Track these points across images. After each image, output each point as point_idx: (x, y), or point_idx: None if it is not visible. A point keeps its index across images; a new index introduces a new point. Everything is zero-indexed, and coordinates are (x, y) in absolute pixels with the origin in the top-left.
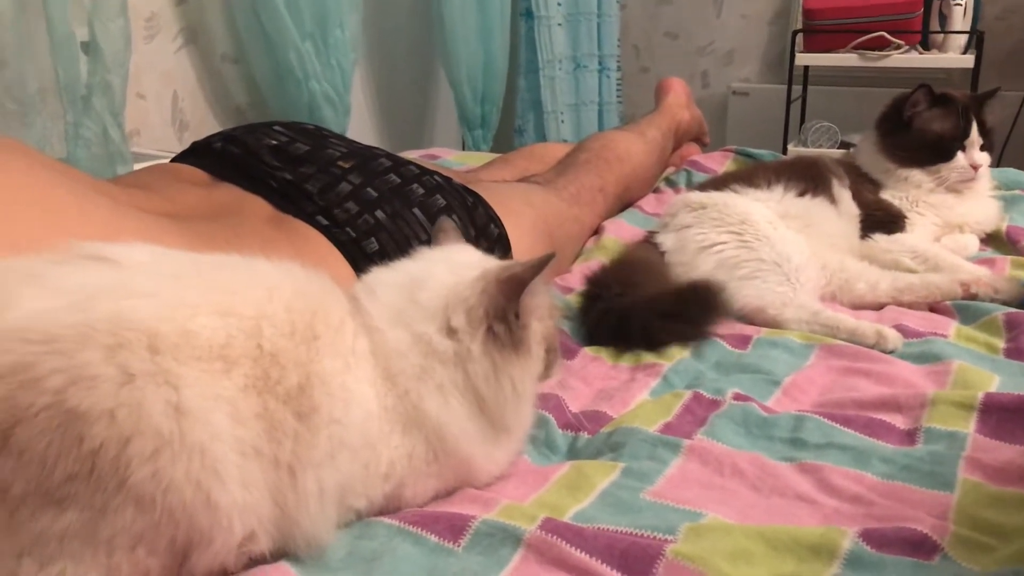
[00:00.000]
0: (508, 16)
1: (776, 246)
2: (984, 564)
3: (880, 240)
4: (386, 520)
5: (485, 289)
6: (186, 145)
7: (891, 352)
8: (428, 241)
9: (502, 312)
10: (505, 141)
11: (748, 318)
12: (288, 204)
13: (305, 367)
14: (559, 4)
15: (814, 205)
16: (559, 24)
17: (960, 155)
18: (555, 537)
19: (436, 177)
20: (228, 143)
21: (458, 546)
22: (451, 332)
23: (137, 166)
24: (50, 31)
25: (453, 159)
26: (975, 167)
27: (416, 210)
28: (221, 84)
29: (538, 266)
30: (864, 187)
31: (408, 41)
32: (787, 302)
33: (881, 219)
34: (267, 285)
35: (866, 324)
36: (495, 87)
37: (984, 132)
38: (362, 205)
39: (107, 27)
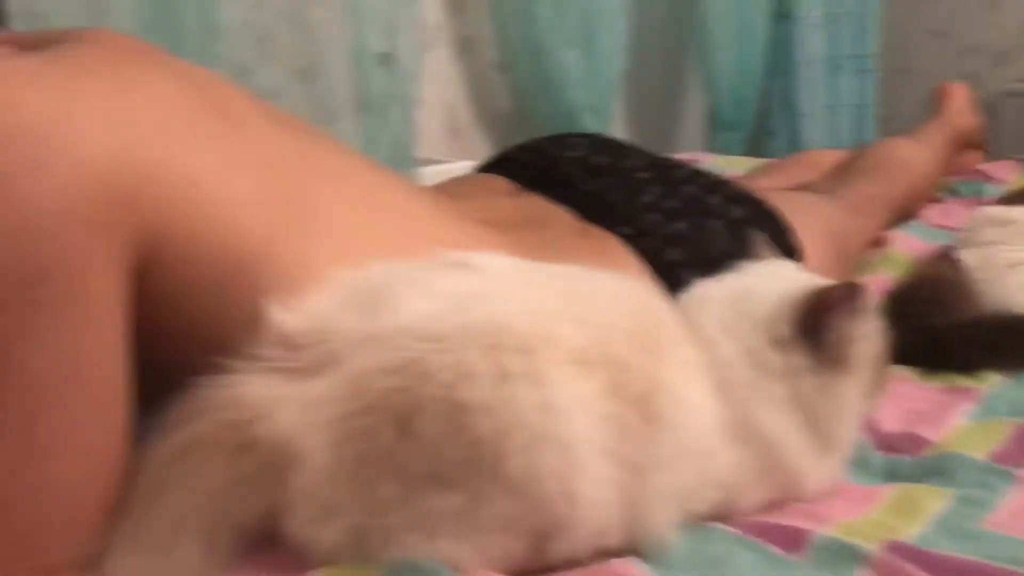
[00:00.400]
0: (767, 18)
1: None
2: None
3: None
4: (725, 527)
5: (813, 304)
6: (456, 151)
7: None
8: (729, 252)
9: (830, 328)
10: (755, 144)
11: None
12: (592, 214)
13: (650, 375)
14: (814, 5)
15: None
16: (816, 25)
17: None
18: (901, 559)
19: (733, 188)
20: (532, 154)
21: (799, 559)
22: (779, 346)
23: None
24: (349, 45)
25: (715, 163)
26: None
27: (716, 221)
28: (489, 92)
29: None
30: None
31: (663, 45)
32: None
33: None
34: (612, 295)
35: None
36: (750, 90)
37: None
38: (664, 215)
39: (403, 40)
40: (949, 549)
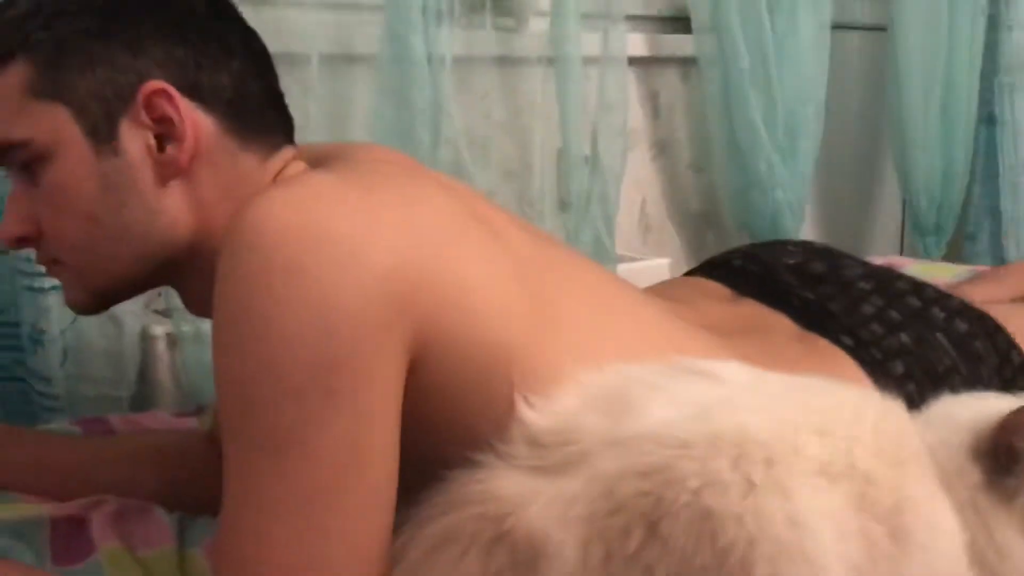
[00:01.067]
0: (973, 122)
1: None
2: None
3: None
4: None
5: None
6: (649, 247)
7: None
8: (954, 368)
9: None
10: (957, 249)
11: None
12: (812, 323)
13: (896, 490)
14: (1021, 110)
15: None
16: (1022, 131)
17: None
18: None
19: (955, 301)
20: (747, 260)
21: None
22: (1004, 469)
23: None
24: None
25: (915, 269)
26: None
27: (940, 335)
28: (682, 191)
29: None
30: None
31: (858, 146)
32: None
33: None
34: (852, 406)
35: None
36: (953, 194)
37: None
38: (887, 327)
39: (609, 144)
40: None
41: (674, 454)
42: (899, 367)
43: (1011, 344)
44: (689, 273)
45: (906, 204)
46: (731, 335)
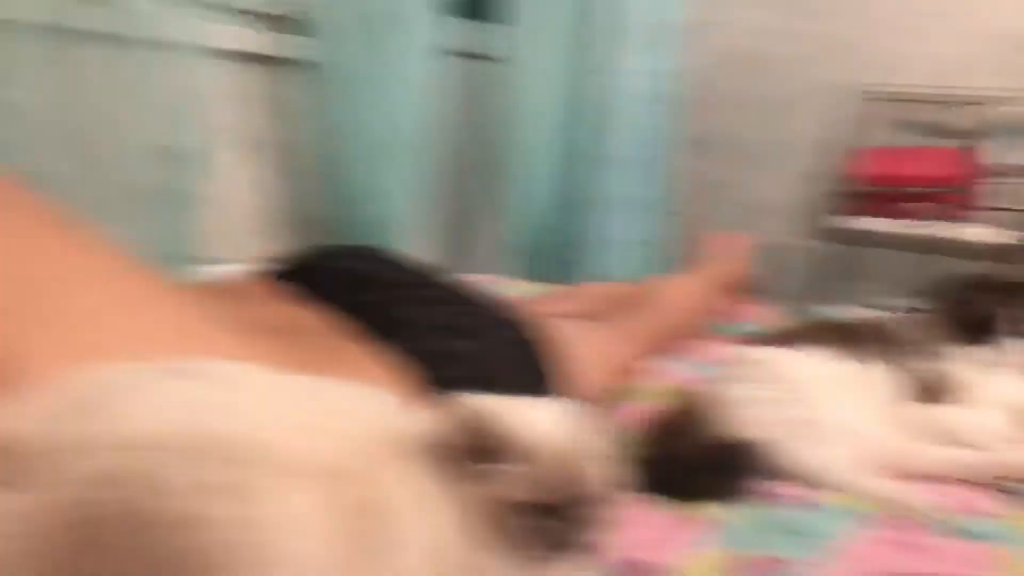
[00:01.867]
0: (568, 153)
1: (826, 407)
2: None
3: (944, 410)
4: None
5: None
6: (255, 255)
7: (933, 523)
8: (502, 375)
9: None
10: (557, 274)
11: (798, 479)
12: (367, 327)
13: (381, 489)
14: (613, 147)
15: (867, 371)
16: (612, 165)
17: (1014, 340)
18: None
19: (510, 311)
20: (307, 263)
21: None
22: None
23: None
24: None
25: (506, 288)
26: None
27: (492, 343)
28: (287, 196)
29: None
30: (921, 356)
31: (465, 170)
32: (835, 467)
33: (936, 390)
34: (346, 405)
35: (909, 494)
36: (552, 219)
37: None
38: (440, 334)
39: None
40: None
41: (123, 457)
42: (452, 372)
43: (558, 354)
44: (263, 274)
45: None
46: (274, 335)
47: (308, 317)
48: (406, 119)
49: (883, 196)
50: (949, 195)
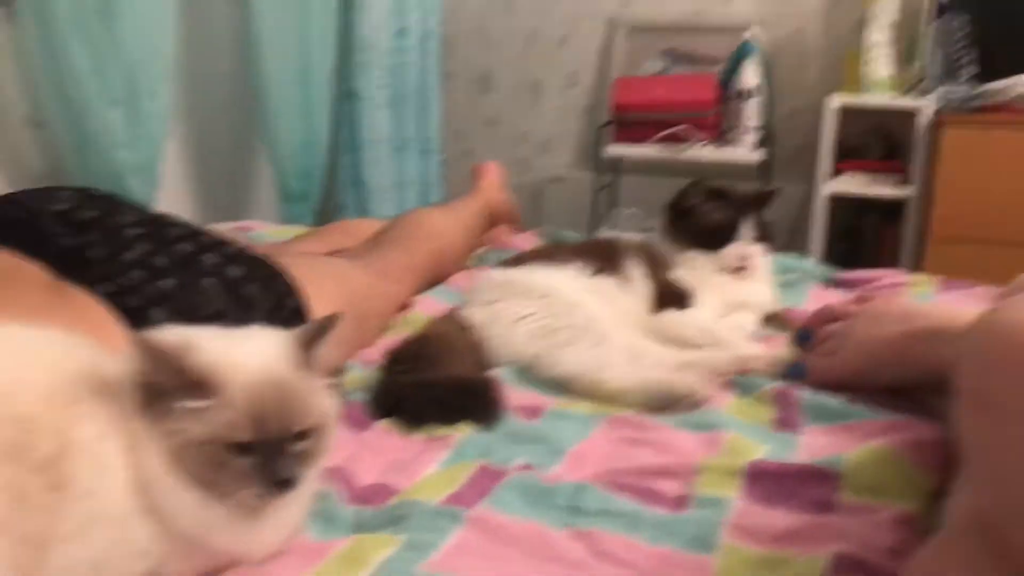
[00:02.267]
0: (330, 96)
1: (584, 310)
2: None
3: (670, 316)
4: None
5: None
6: None
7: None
8: (221, 310)
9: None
10: (327, 217)
11: (569, 385)
12: (69, 271)
13: (61, 434)
14: (380, 87)
15: (607, 283)
16: (381, 106)
17: (734, 245)
18: None
19: (233, 247)
20: (8, 205)
21: None
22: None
23: None
24: None
25: (268, 232)
26: (747, 257)
27: (208, 279)
28: (18, 149)
29: None
30: (658, 267)
31: (227, 114)
32: (603, 364)
33: (672, 296)
34: (24, 349)
35: (677, 376)
36: (316, 163)
37: (760, 226)
38: (148, 273)
39: None
40: None
41: None
42: (160, 314)
43: (290, 290)
44: None
45: (274, 171)
46: None
47: (4, 265)
48: (146, 55)
49: (645, 124)
50: (704, 119)
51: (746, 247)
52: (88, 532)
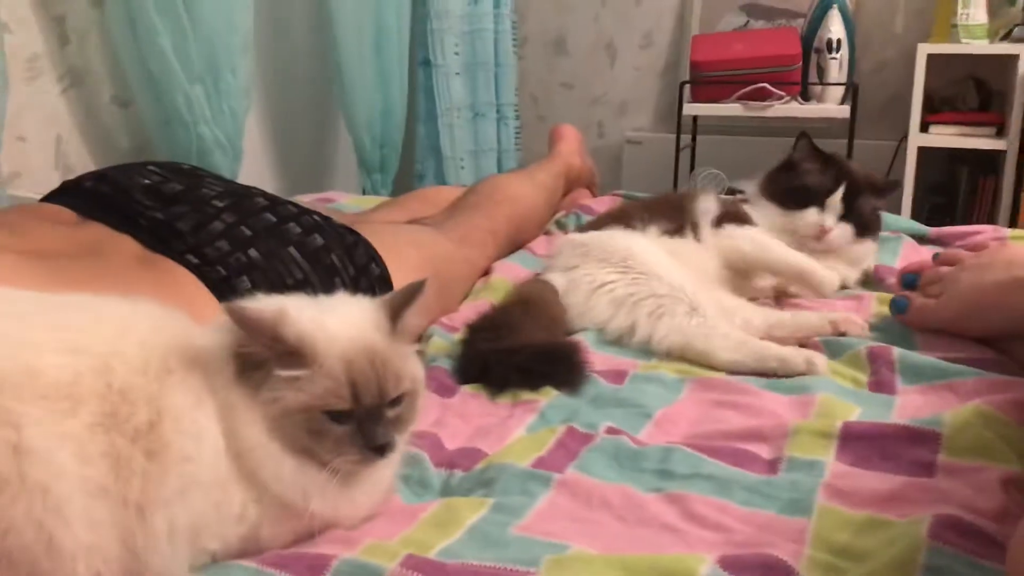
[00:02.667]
0: (406, 64)
1: (665, 278)
2: None
3: (729, 229)
4: (243, 563)
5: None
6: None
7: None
8: (304, 279)
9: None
10: (406, 186)
11: (674, 355)
12: (158, 243)
13: (155, 403)
14: (456, 54)
15: (682, 242)
16: (457, 73)
17: (813, 210)
18: (416, 573)
19: (315, 216)
20: (98, 182)
21: None
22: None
23: None
24: None
25: (348, 203)
26: (823, 230)
27: (292, 249)
28: (108, 127)
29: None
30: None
31: (306, 86)
32: (708, 333)
33: (732, 216)
34: (119, 322)
35: (793, 351)
36: (394, 133)
37: (863, 211)
38: (234, 244)
39: None
40: (473, 557)
41: None
42: (245, 283)
43: (371, 257)
44: (46, 199)
45: (354, 142)
46: (58, 259)
47: (96, 239)
48: (226, 30)
49: (726, 82)
50: (787, 75)
51: (823, 218)
52: (186, 497)
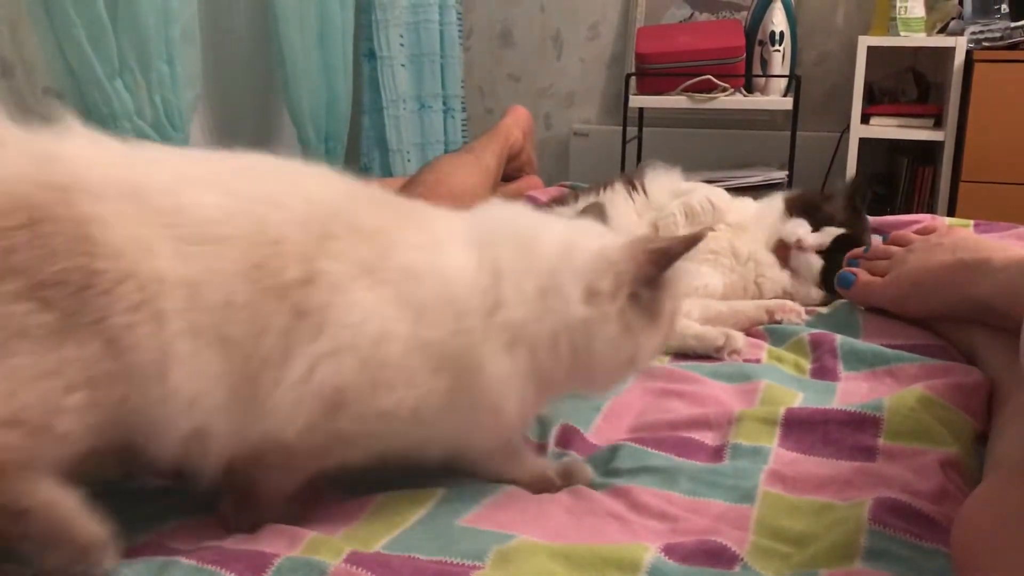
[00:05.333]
0: (350, 55)
1: None
2: (780, 570)
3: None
4: (182, 560)
5: (635, 256)
6: None
7: (736, 353)
8: None
9: (649, 280)
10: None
11: None
12: None
13: (311, 263)
14: (402, 45)
15: (610, 195)
16: (402, 64)
17: (806, 223)
18: (360, 569)
19: None
20: None
21: None
22: (592, 296)
23: None
24: None
25: None
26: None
27: None
28: (42, 119)
29: (690, 242)
30: None
31: (249, 78)
32: None
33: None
34: (291, 178)
35: (709, 328)
36: (339, 125)
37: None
38: None
39: None
40: (420, 550)
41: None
42: None
43: None
44: None
45: (298, 133)
46: None
47: None
48: (167, 21)
49: (671, 74)
50: (731, 67)
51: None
52: (337, 359)
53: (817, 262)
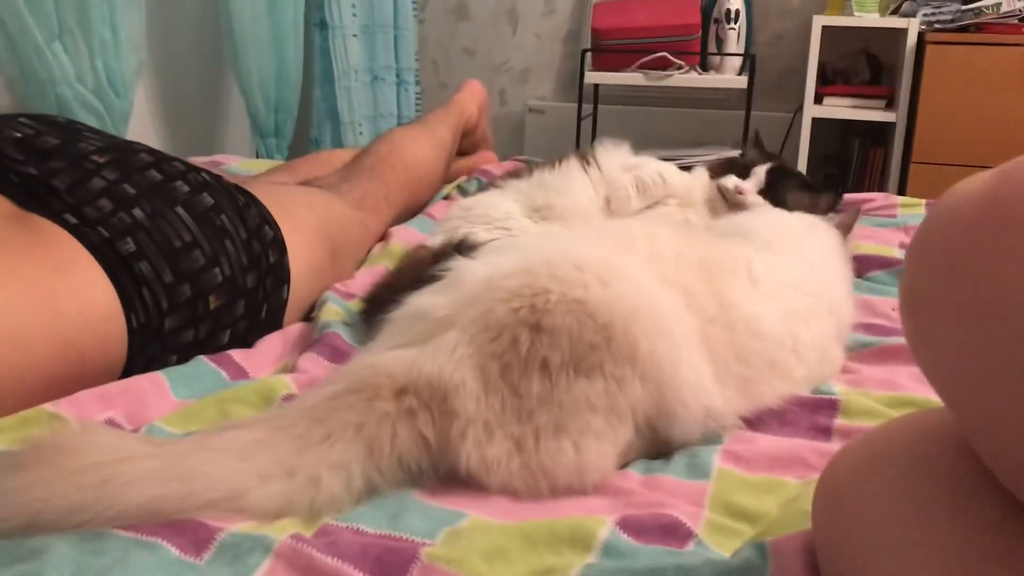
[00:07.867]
0: (301, 25)
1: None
2: (734, 546)
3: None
4: (121, 532)
5: None
6: None
7: None
8: (193, 241)
9: None
10: (302, 152)
11: None
12: (32, 201)
13: (719, 298)
14: (354, 15)
15: (565, 169)
16: (354, 35)
17: (733, 176)
18: (305, 545)
19: (203, 175)
20: None
21: (201, 560)
22: None
23: None
24: None
25: (239, 166)
26: (739, 190)
27: (180, 208)
28: None
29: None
30: None
31: (197, 47)
32: None
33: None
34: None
35: None
36: (289, 96)
37: (776, 190)
38: (117, 203)
39: None
40: (369, 526)
41: (523, 280)
42: (129, 245)
43: (264, 219)
44: None
45: (248, 106)
46: None
47: None
48: None
49: (626, 51)
50: (687, 44)
51: (745, 184)
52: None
53: (762, 202)
